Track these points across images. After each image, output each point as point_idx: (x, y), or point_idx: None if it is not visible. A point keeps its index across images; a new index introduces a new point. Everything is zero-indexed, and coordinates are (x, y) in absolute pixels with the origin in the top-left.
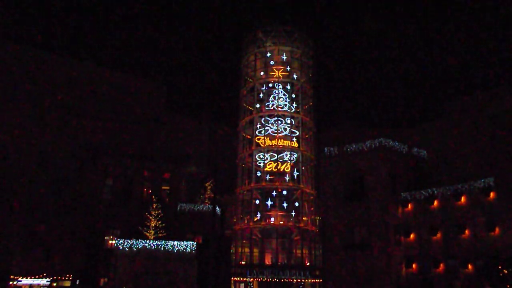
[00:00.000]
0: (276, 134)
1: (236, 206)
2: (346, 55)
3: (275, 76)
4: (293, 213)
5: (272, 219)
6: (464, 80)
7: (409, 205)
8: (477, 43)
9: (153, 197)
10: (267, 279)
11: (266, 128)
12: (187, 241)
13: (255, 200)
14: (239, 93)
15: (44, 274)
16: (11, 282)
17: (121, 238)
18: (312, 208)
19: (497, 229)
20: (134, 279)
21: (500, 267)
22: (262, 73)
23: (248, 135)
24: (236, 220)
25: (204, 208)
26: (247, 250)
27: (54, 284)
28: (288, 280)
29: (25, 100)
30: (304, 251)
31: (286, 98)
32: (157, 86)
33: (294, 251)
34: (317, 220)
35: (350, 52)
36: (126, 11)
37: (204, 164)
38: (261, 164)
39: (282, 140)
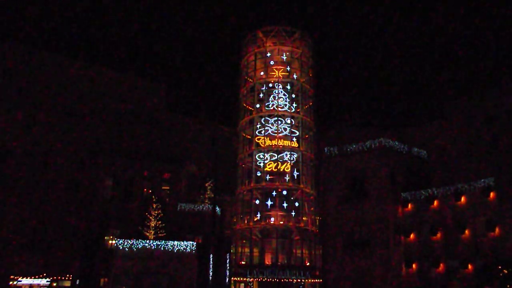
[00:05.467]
0: (276, 134)
1: (236, 206)
2: (346, 55)
3: (275, 76)
4: (293, 213)
5: (272, 219)
6: (464, 80)
7: (409, 205)
8: (478, 42)
9: (153, 197)
10: (267, 279)
11: (266, 128)
12: (187, 241)
13: (255, 200)
14: (239, 93)
15: (44, 274)
16: (11, 282)
17: (121, 238)
18: (312, 208)
19: (497, 229)
20: (134, 279)
21: (500, 267)
22: (262, 73)
23: (248, 135)
24: (236, 220)
25: (204, 208)
26: (247, 250)
27: (54, 284)
28: (288, 280)
29: (25, 100)
30: (304, 251)
31: (286, 98)
32: (157, 86)
33: (294, 251)
34: (317, 220)
35: (350, 51)
36: (126, 11)
37: (204, 164)
38: (261, 164)
39: (282, 140)
